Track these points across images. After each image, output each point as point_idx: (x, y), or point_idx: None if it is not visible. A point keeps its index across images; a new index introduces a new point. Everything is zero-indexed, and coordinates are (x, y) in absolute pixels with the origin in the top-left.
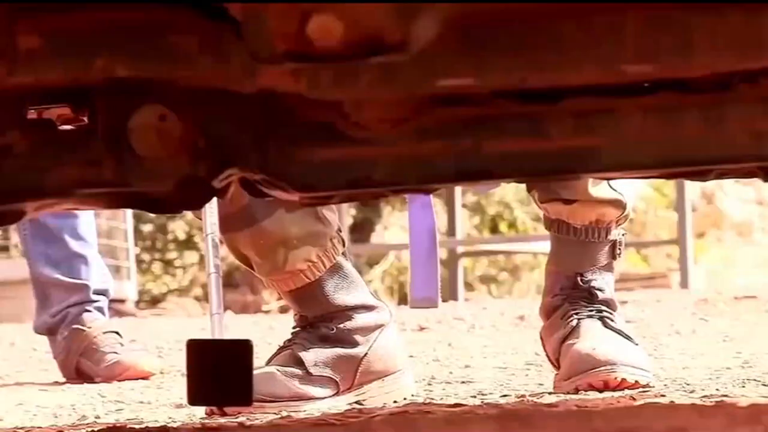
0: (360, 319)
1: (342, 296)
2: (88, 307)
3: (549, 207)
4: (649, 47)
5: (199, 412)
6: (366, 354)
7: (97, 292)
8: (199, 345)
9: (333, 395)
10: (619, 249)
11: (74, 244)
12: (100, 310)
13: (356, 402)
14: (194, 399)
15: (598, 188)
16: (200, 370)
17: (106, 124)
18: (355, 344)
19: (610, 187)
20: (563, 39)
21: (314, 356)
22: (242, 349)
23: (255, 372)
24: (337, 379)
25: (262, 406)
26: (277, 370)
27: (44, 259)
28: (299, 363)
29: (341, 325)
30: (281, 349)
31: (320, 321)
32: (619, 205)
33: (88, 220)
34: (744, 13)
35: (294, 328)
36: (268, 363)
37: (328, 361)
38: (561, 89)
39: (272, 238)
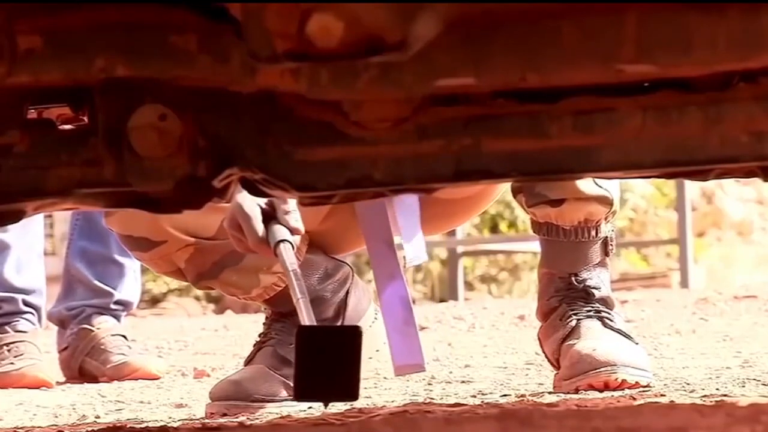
0: (329, 294)
1: (308, 282)
2: (104, 312)
3: (536, 211)
4: (649, 46)
5: (199, 412)
6: (341, 324)
7: (120, 303)
8: (308, 331)
9: None
10: (611, 245)
11: (116, 250)
12: (116, 317)
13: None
14: (301, 395)
15: (584, 184)
16: (308, 363)
17: (105, 124)
18: (330, 322)
19: (596, 183)
20: (562, 38)
21: None
22: (350, 336)
23: (248, 370)
24: None
25: (262, 406)
26: (271, 368)
27: (81, 254)
28: (286, 362)
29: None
30: (260, 344)
31: (294, 312)
32: (605, 201)
33: None
34: (743, 13)
35: (267, 318)
36: (249, 362)
37: None
38: (560, 88)
39: (246, 272)
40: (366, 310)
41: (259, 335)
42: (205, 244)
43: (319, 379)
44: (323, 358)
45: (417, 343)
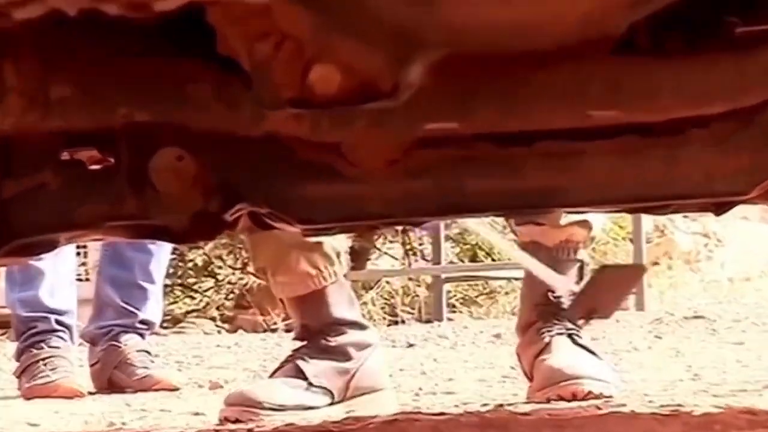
0: (354, 336)
1: (341, 310)
2: (129, 331)
3: (523, 229)
4: (614, 94)
5: (213, 419)
6: (358, 369)
7: (144, 322)
8: (603, 269)
9: (329, 404)
10: (585, 271)
11: (140, 277)
12: (140, 335)
13: (350, 412)
14: (573, 314)
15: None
16: (589, 295)
17: (129, 164)
18: (349, 358)
19: None
20: (537, 86)
21: (314, 368)
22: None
23: (263, 382)
24: (333, 390)
25: (270, 414)
26: (283, 382)
27: (110, 281)
28: (301, 373)
29: (338, 338)
30: (286, 361)
31: (319, 333)
32: (585, 225)
33: (159, 259)
34: (698, 66)
35: (295, 340)
36: (273, 374)
37: (326, 372)
38: (535, 133)
39: (288, 243)
40: (382, 377)
41: (289, 355)
42: None
43: (594, 303)
44: (603, 292)
45: None
